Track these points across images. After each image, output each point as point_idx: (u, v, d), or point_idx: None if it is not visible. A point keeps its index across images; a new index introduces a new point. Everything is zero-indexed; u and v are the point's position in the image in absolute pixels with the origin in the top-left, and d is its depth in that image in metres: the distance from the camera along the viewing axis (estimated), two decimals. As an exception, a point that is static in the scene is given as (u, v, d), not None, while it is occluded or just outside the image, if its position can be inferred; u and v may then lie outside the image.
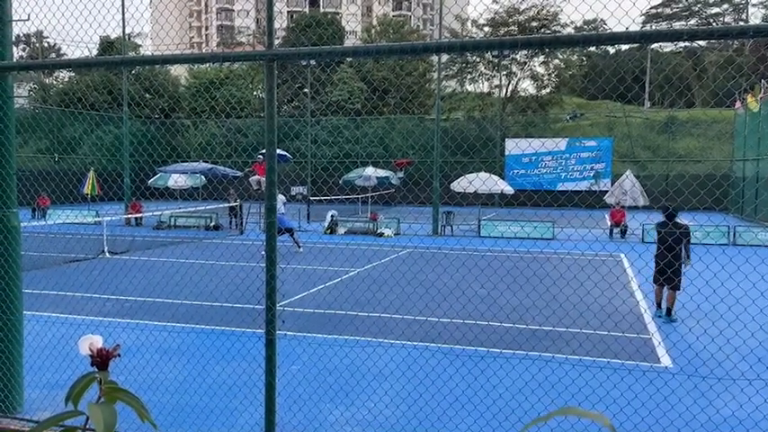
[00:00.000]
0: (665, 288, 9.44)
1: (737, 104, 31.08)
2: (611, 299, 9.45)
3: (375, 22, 58.91)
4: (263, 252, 4.33)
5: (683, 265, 9.23)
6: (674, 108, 43.37)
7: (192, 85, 46.59)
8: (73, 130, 36.49)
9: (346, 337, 8.05)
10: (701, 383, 6.19)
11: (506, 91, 47.30)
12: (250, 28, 71.13)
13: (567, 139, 37.55)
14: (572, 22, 45.83)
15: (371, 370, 6.60)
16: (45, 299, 10.17)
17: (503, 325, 8.81)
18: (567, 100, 49.31)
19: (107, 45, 43.52)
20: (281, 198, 17.13)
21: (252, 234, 20.67)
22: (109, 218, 18.10)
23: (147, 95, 43.92)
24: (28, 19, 27.60)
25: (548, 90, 48.58)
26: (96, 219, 19.26)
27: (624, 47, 48.11)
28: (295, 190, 33.59)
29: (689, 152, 37.02)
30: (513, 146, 37.02)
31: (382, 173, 29.19)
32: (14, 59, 5.37)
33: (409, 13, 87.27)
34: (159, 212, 23.73)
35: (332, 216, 22.51)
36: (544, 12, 45.62)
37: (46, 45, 61.70)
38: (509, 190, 23.67)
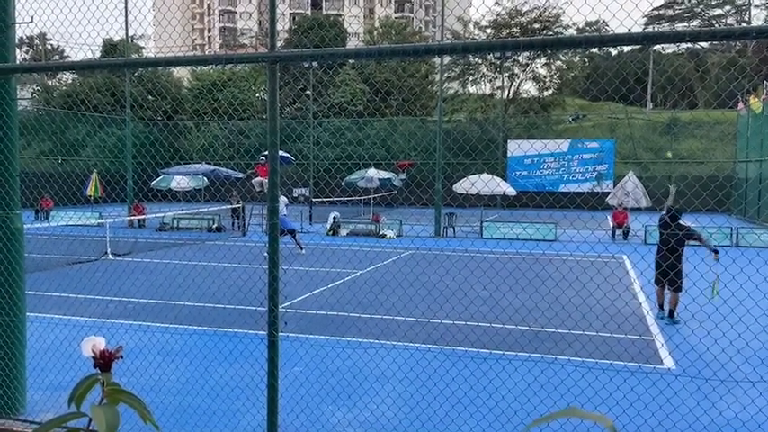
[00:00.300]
0: (667, 289, 9.43)
1: (740, 106, 31.03)
2: (614, 301, 9.43)
3: (377, 24, 58.96)
4: (266, 254, 4.33)
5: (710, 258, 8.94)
6: (676, 109, 43.34)
7: (195, 87, 46.68)
8: (76, 133, 36.57)
9: (349, 339, 8.05)
10: (704, 385, 6.18)
11: (508, 92, 47.31)
12: (252, 30, 71.16)
13: (569, 141, 37.54)
14: (574, 24, 45.88)
15: (374, 372, 6.59)
16: (48, 300, 10.19)
17: (505, 327, 8.80)
18: (570, 101, 49.32)
19: (110, 47, 43.66)
20: (282, 200, 17.14)
21: (254, 236, 20.68)
22: (112, 220, 18.13)
23: (150, 97, 44.01)
24: (31, 21, 27.55)
25: (550, 92, 48.60)
26: (99, 220, 19.27)
27: (626, 48, 48.12)
28: (297, 192, 33.60)
29: (692, 153, 36.98)
30: (515, 147, 37.03)
31: (384, 174, 29.20)
32: (18, 62, 5.39)
33: (411, 15, 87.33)
34: (162, 214, 23.77)
35: (334, 218, 22.51)
36: (546, 13, 45.65)
37: (49, 47, 61.89)
38: (511, 191, 23.65)
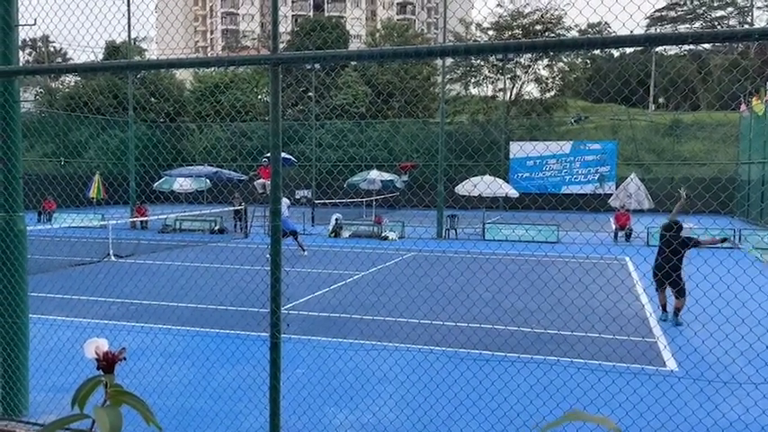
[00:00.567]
0: (668, 291, 9.40)
1: (743, 107, 31.01)
2: (616, 302, 9.41)
3: (379, 26, 59.01)
4: (268, 255, 4.33)
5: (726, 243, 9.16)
6: (678, 111, 43.30)
7: (198, 88, 46.77)
8: (79, 134, 36.67)
9: (351, 341, 8.04)
10: (707, 387, 6.16)
11: (511, 94, 47.33)
12: (255, 32, 71.34)
13: (571, 143, 37.51)
14: (576, 26, 45.85)
15: (376, 373, 6.59)
16: (51, 302, 10.20)
17: (507, 328, 8.79)
18: (572, 103, 49.33)
19: (113, 49, 43.82)
20: (285, 201, 17.16)
21: (257, 237, 20.69)
22: (114, 221, 18.16)
23: (153, 99, 44.10)
24: (34, 23, 27.70)
25: (552, 93, 48.59)
26: (102, 222, 19.33)
27: (629, 50, 48.10)
28: (300, 193, 33.63)
29: (694, 155, 36.95)
30: (517, 149, 37.00)
31: (387, 176, 29.21)
32: (21, 64, 5.41)
33: (413, 17, 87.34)
34: (164, 216, 23.80)
35: (336, 219, 22.52)
36: (548, 15, 45.67)
37: (52, 49, 62.07)
38: (513, 193, 23.64)
